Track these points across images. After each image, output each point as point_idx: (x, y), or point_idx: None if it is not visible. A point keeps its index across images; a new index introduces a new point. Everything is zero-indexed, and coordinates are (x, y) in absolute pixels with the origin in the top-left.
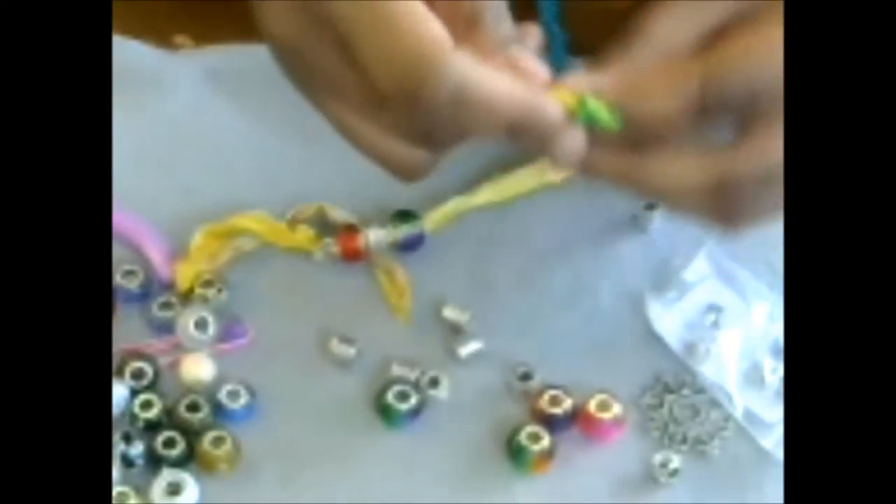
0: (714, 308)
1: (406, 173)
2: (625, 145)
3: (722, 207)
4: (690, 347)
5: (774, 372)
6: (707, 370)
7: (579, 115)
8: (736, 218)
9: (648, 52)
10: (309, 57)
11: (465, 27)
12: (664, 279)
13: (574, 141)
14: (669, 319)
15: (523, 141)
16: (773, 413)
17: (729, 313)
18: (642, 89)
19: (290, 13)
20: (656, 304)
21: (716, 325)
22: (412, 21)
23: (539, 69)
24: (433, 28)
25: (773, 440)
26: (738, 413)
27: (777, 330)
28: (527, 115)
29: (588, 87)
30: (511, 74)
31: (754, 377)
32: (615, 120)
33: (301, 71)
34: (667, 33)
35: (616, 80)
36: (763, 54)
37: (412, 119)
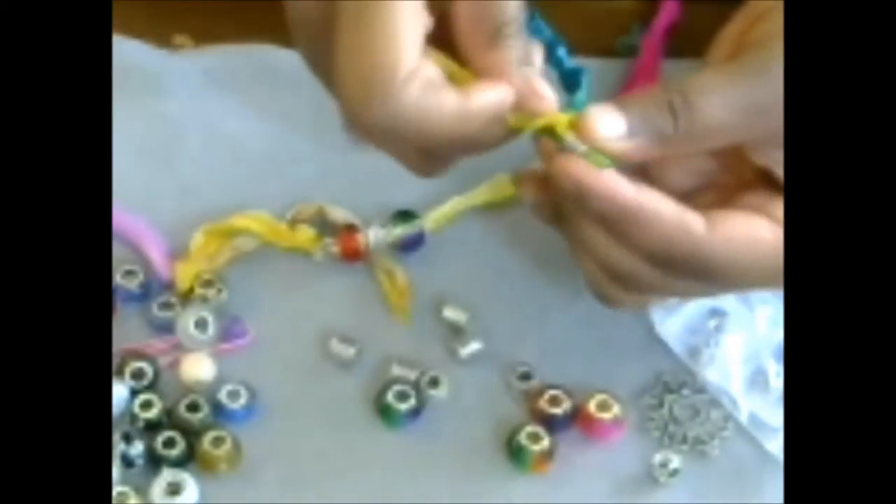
0: (717, 312)
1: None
2: None
3: None
4: (694, 352)
5: (778, 376)
6: (711, 375)
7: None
8: None
9: None
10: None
11: (486, 41)
12: None
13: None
14: (672, 324)
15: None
16: (777, 417)
17: (732, 318)
18: None
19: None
20: (659, 309)
21: (719, 329)
22: (376, 36)
23: (550, 93)
24: (392, 50)
25: (778, 444)
26: (742, 417)
27: (780, 334)
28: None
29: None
30: (529, 94)
31: (758, 381)
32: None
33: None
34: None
35: None
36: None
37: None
